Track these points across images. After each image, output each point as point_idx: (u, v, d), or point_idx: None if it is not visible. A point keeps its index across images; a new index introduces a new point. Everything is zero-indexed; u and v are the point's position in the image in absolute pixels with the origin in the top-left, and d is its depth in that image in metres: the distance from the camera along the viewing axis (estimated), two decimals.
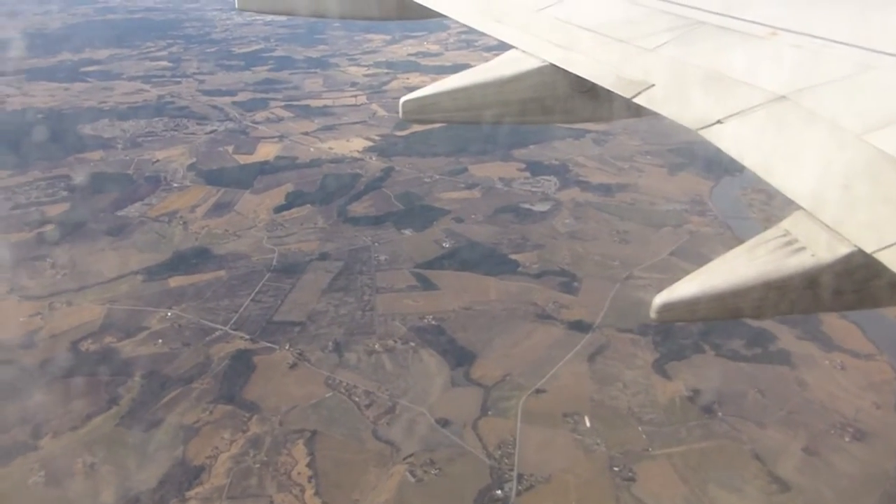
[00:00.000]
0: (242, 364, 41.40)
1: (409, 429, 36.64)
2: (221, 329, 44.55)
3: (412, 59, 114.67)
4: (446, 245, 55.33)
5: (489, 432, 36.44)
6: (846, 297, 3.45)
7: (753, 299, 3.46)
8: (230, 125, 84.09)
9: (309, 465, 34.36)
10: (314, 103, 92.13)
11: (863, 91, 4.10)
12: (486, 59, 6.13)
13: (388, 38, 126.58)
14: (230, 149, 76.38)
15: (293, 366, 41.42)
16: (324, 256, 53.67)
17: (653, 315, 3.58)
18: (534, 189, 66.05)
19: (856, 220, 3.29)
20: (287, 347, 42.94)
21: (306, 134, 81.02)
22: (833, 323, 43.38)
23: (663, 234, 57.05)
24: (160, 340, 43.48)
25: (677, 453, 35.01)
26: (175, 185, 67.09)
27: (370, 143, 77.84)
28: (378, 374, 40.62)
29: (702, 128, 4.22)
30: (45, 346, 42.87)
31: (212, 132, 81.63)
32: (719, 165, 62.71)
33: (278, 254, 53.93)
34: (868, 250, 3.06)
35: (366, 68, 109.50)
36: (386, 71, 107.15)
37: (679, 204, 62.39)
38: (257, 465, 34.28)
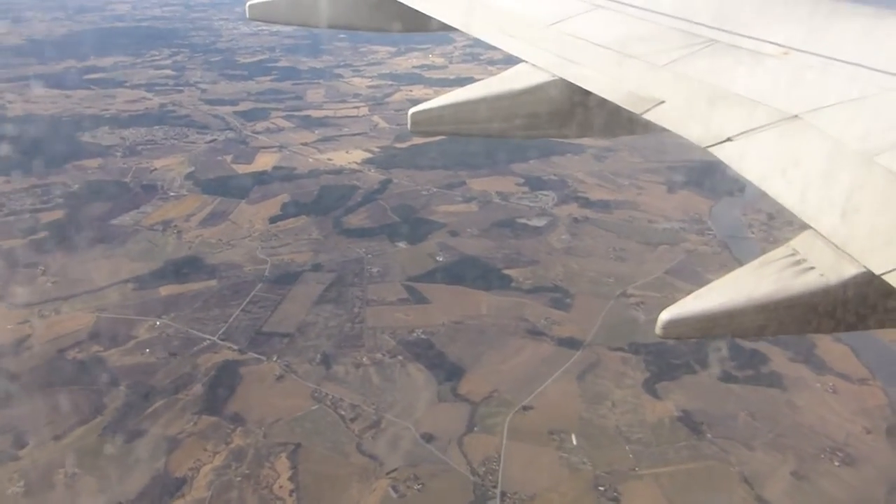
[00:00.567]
0: (229, 375, 41.18)
1: (393, 443, 36.34)
2: (210, 339, 44.36)
3: (416, 71, 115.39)
4: (440, 258, 55.16)
5: (474, 449, 36.11)
6: (853, 318, 3.45)
7: (760, 318, 3.47)
8: (230, 135, 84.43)
9: (291, 479, 34.11)
10: (315, 114, 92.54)
11: (875, 112, 4.08)
12: (491, 73, 6.11)
13: (393, 49, 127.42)
14: (228, 158, 76.70)
15: (280, 378, 41.18)
16: (316, 268, 53.52)
17: (658, 331, 3.54)
18: (531, 204, 65.97)
19: (865, 242, 3.27)
20: (275, 359, 42.74)
21: (306, 144, 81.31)
22: (826, 346, 42.99)
23: (660, 252, 56.76)
24: (147, 350, 43.34)
25: (664, 473, 34.65)
26: (171, 193, 67.21)
27: (369, 155, 78.03)
28: (365, 388, 40.34)
29: (711, 145, 4.21)
30: (31, 354, 42.73)
31: (211, 141, 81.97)
32: (720, 184, 62.67)
33: (271, 264, 53.82)
34: (877, 272, 3.06)
35: (369, 80, 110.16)
36: (389, 83, 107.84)
37: (677, 222, 62.15)
38: (239, 478, 34.01)
